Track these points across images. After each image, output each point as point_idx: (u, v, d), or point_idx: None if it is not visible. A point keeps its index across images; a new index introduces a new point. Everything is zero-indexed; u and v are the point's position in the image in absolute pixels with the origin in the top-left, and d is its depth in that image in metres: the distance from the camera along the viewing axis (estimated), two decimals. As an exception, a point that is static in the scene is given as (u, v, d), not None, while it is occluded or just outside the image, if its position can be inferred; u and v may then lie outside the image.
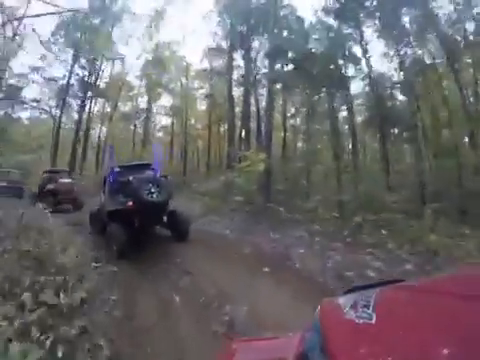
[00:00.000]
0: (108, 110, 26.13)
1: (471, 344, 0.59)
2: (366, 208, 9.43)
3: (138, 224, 6.46)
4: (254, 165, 9.31)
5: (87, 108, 23.33)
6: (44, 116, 23.72)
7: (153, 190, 6.14)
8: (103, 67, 24.62)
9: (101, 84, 24.77)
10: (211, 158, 24.72)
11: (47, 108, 22.38)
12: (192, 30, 28.85)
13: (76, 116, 23.04)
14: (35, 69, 20.98)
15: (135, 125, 27.65)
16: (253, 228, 8.06)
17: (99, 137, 25.81)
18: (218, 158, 24.93)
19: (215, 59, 24.37)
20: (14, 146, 20.31)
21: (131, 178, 6.44)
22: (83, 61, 22.86)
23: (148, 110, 27.39)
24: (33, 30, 12.01)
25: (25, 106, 21.61)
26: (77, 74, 22.96)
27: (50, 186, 12.49)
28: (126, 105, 28.57)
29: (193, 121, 28.21)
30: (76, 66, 22.62)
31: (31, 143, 22.80)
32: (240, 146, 16.91)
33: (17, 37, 18.91)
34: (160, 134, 31.82)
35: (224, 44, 22.44)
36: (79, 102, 22.87)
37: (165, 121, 30.36)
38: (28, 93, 21.61)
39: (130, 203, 6.19)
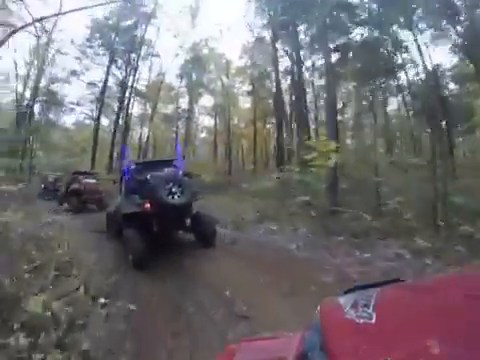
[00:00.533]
0: (149, 111, 25.68)
1: (472, 344, 0.56)
2: (456, 210, 7.25)
3: (157, 229, 5.57)
4: (322, 158, 7.10)
5: (126, 109, 22.83)
6: (87, 121, 23.86)
7: (174, 190, 5.30)
8: (141, 68, 24.18)
9: (139, 85, 24.38)
10: (257, 156, 22.95)
11: (89, 111, 22.33)
12: (227, 26, 27.72)
13: (115, 118, 22.73)
14: (73, 73, 20.82)
15: (177, 126, 26.94)
16: (327, 241, 5.86)
17: (140, 138, 25.50)
18: (265, 156, 23.23)
19: (256, 53, 22.70)
20: (57, 150, 20.82)
21: (149, 176, 5.63)
22: (120, 62, 22.46)
23: (189, 110, 26.81)
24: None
25: (66, 110, 21.83)
26: (114, 74, 22.59)
27: (74, 186, 12.23)
28: (167, 106, 28.26)
29: (236, 119, 26.81)
30: (113, 67, 22.31)
31: (74, 147, 23.14)
32: (291, 140, 14.90)
33: (53, 43, 19.13)
34: (203, 134, 31.49)
35: (263, 36, 21.15)
36: (117, 104, 22.50)
37: (207, 121, 29.78)
38: (69, 97, 21.47)
39: (147, 205, 5.28)
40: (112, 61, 21.97)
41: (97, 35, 21.52)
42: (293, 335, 1.01)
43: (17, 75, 19.54)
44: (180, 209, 5.47)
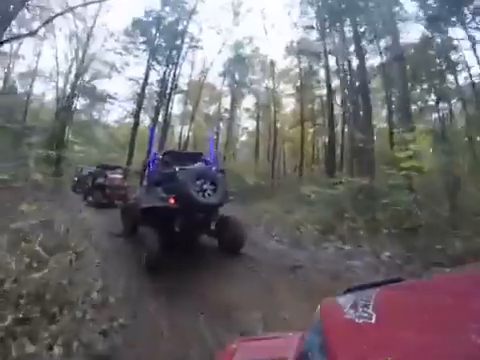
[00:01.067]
0: (190, 109, 25.02)
1: (471, 343, 0.57)
2: None
3: (179, 229, 4.86)
4: (415, 159, 5.27)
5: (166, 106, 22.23)
6: (128, 119, 23.78)
7: (205, 187, 4.64)
8: (182, 65, 23.47)
9: (180, 83, 23.80)
10: (301, 159, 21.32)
11: (129, 108, 22.27)
12: (272, 23, 26.64)
13: (154, 115, 22.28)
14: (114, 68, 20.83)
15: (218, 126, 26.40)
16: (428, 273, 4.09)
17: (180, 137, 24.83)
18: (311, 159, 21.83)
19: (303, 50, 21.33)
20: (97, 144, 21.23)
21: (177, 169, 4.96)
22: (160, 58, 21.94)
23: (231, 111, 26.04)
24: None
25: (106, 106, 22.15)
26: (155, 70, 22.04)
27: (99, 180, 11.94)
28: (208, 105, 27.71)
29: (280, 122, 25.41)
30: (154, 63, 21.83)
31: (114, 143, 23.44)
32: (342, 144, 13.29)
33: (94, 40, 19.19)
34: (243, 137, 30.65)
35: (311, 30, 20.16)
36: (157, 100, 22.00)
37: (249, 123, 28.81)
38: (109, 93, 21.65)
39: (172, 200, 4.55)
40: (153, 57, 21.55)
41: (138, 31, 21.24)
42: (293, 335, 1.04)
43: (58, 72, 20.09)
44: (210, 209, 4.94)
